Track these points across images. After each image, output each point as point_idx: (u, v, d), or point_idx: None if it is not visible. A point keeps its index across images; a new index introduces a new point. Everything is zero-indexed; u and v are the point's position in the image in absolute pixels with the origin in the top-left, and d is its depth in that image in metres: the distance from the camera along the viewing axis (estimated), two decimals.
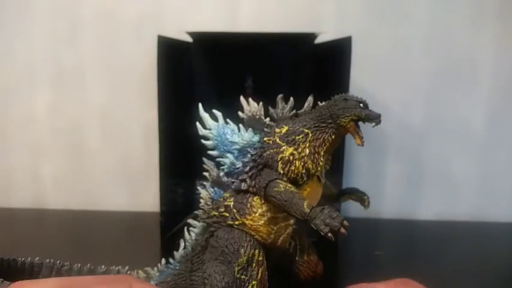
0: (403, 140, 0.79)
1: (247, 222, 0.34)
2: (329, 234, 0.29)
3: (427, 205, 0.80)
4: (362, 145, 0.34)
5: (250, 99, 0.37)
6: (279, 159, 0.34)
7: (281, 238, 0.35)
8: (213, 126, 0.38)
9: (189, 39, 0.70)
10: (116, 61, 0.79)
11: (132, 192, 0.82)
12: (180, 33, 0.67)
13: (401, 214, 0.79)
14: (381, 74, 0.77)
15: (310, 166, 0.33)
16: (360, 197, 0.39)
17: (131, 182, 0.82)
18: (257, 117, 0.36)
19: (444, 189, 0.80)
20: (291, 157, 0.34)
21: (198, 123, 0.38)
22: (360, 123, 0.34)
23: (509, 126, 0.78)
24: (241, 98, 0.37)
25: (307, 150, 0.34)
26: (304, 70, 0.72)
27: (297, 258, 0.38)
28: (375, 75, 0.77)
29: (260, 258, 0.34)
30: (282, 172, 0.34)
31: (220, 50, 0.71)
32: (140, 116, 0.80)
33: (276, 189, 0.32)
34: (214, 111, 0.38)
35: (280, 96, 0.36)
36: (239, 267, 0.33)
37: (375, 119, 0.33)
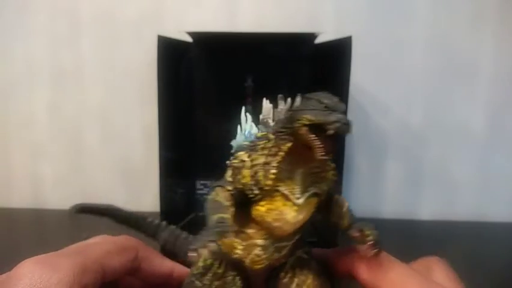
0: (403, 140, 0.79)
1: None
2: (189, 254, 0.24)
3: (427, 205, 0.80)
4: (322, 160, 0.25)
5: (267, 101, 0.32)
6: (230, 165, 0.30)
7: (249, 257, 0.30)
8: (244, 129, 0.35)
9: (189, 39, 0.70)
10: (116, 61, 0.79)
11: (132, 192, 0.82)
12: (180, 33, 0.67)
13: (401, 214, 0.79)
14: (381, 74, 0.77)
15: (261, 178, 0.27)
16: (363, 237, 0.29)
17: (131, 182, 0.82)
18: (265, 120, 0.32)
19: (444, 189, 0.80)
20: (241, 164, 0.29)
21: (238, 126, 0.36)
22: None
23: (509, 126, 0.79)
24: (264, 100, 0.33)
25: (261, 159, 0.28)
26: (304, 70, 0.72)
27: None
28: (375, 75, 0.77)
29: (219, 271, 0.30)
30: (229, 180, 0.29)
31: (220, 50, 0.71)
32: (140, 116, 0.80)
33: (209, 196, 0.29)
34: (247, 113, 0.35)
35: (279, 96, 0.31)
36: (196, 272, 0.31)
37: (329, 124, 0.24)
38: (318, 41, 0.68)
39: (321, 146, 0.25)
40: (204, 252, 0.24)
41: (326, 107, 0.25)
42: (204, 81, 0.73)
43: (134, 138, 0.81)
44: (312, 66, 0.71)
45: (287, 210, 0.28)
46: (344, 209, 0.31)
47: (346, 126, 0.24)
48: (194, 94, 0.74)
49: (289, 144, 0.27)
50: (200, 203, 0.75)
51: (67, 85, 0.80)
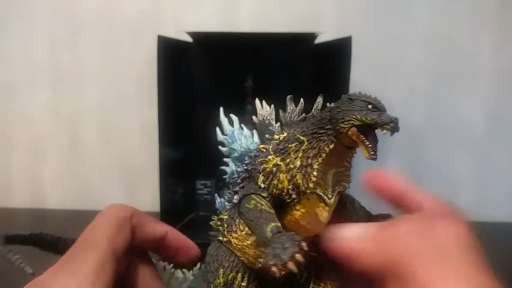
0: (403, 139, 0.79)
1: (232, 240, 0.30)
2: (273, 268, 0.23)
3: None
4: (372, 158, 0.26)
5: (263, 101, 0.32)
6: (261, 170, 0.28)
7: None
8: (228, 131, 0.34)
9: (189, 39, 0.70)
10: (115, 61, 0.79)
11: (131, 192, 0.82)
12: (180, 33, 0.67)
13: (400, 214, 0.79)
14: (381, 74, 0.77)
15: (300, 181, 0.27)
16: None
17: (130, 182, 0.82)
18: (267, 121, 0.31)
19: (444, 189, 0.79)
20: (275, 169, 0.28)
21: (217, 128, 0.34)
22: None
23: (509, 126, 0.78)
24: (257, 100, 0.32)
25: (298, 162, 0.27)
26: (305, 70, 0.72)
27: None
28: (375, 75, 0.77)
29: (243, 284, 0.29)
30: (262, 186, 0.28)
31: (220, 50, 0.71)
32: (139, 116, 0.80)
33: (246, 205, 0.27)
34: (231, 115, 0.34)
35: (289, 97, 0.31)
36: None
37: (385, 124, 0.25)
38: (318, 41, 0.68)
39: (370, 145, 0.26)
40: (291, 266, 0.23)
41: (374, 107, 0.27)
42: (203, 81, 0.73)
43: (134, 139, 0.81)
44: (312, 66, 0.71)
45: (320, 211, 0.28)
46: (356, 204, 0.32)
47: (397, 125, 0.25)
48: (194, 94, 0.74)
49: (331, 146, 0.27)
50: (200, 203, 0.75)
51: (66, 85, 0.80)
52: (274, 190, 0.28)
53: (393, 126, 0.25)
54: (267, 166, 0.28)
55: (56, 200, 0.83)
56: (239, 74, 0.71)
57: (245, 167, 0.30)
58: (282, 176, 0.27)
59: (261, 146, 0.30)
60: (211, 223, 0.33)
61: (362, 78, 0.73)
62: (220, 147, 0.34)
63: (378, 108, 0.27)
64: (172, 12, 0.77)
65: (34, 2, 0.78)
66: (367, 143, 0.26)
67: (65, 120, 0.81)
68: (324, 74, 0.67)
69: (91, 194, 0.82)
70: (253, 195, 0.28)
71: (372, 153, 0.26)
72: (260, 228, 0.26)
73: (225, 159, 0.34)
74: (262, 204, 0.27)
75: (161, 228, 0.31)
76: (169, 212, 0.64)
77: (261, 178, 0.28)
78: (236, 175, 0.31)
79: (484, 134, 0.79)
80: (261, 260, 0.28)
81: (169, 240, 0.31)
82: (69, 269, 0.23)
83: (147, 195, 0.80)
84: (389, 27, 0.76)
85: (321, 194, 0.28)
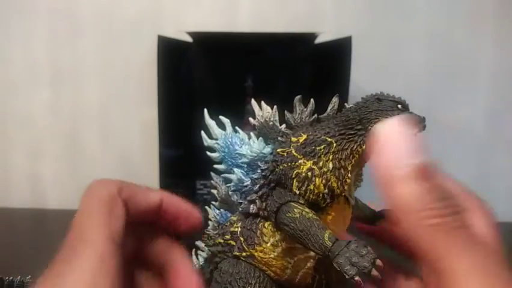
0: None
1: (256, 254, 0.28)
2: (356, 278, 0.22)
3: None
4: None
5: (262, 102, 0.30)
6: (294, 175, 0.27)
7: (300, 273, 0.28)
8: (219, 135, 0.32)
9: (189, 39, 0.70)
10: (115, 61, 0.79)
11: None
12: (180, 33, 0.67)
13: None
14: (381, 74, 0.77)
15: (334, 184, 0.26)
16: None
17: (130, 182, 0.82)
18: (270, 123, 0.30)
19: None
20: (310, 173, 0.26)
21: (202, 133, 0.32)
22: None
23: (508, 125, 0.78)
24: (253, 101, 0.31)
25: (330, 165, 0.26)
26: (304, 70, 0.72)
27: None
28: (375, 75, 0.77)
29: None
30: (297, 192, 0.27)
31: (220, 50, 0.71)
32: (139, 116, 0.80)
33: (290, 214, 0.26)
34: (221, 117, 0.32)
35: (298, 97, 0.29)
36: None
37: (418, 123, 0.26)
38: (318, 41, 0.68)
39: None
40: (376, 272, 0.23)
41: (402, 106, 0.28)
42: (203, 81, 0.73)
43: (134, 139, 0.81)
44: (312, 66, 0.71)
45: (346, 213, 0.28)
46: (360, 203, 0.31)
47: (425, 124, 0.26)
48: (194, 94, 0.74)
49: (364, 146, 0.27)
50: (200, 203, 0.75)
51: (66, 85, 0.80)
52: (311, 196, 0.26)
53: (424, 125, 0.26)
54: (300, 171, 0.27)
55: (56, 200, 0.83)
56: (239, 74, 0.71)
57: (262, 173, 0.28)
58: (317, 181, 0.26)
59: (280, 149, 0.28)
60: (207, 238, 0.31)
61: (362, 78, 0.73)
62: (208, 153, 0.32)
63: (406, 108, 0.28)
64: (172, 12, 0.77)
65: (34, 2, 0.78)
66: None
67: (65, 119, 0.81)
68: (324, 74, 0.66)
69: None
70: (292, 203, 0.26)
71: None
72: (315, 237, 0.25)
73: (217, 166, 0.32)
74: (307, 212, 0.26)
75: (155, 196, 0.27)
76: None
77: (296, 184, 0.27)
78: (249, 182, 0.30)
79: (484, 134, 0.79)
80: (287, 271, 0.28)
81: (166, 208, 0.27)
82: (64, 273, 0.20)
83: None
84: (389, 27, 0.76)
85: (347, 195, 0.28)
